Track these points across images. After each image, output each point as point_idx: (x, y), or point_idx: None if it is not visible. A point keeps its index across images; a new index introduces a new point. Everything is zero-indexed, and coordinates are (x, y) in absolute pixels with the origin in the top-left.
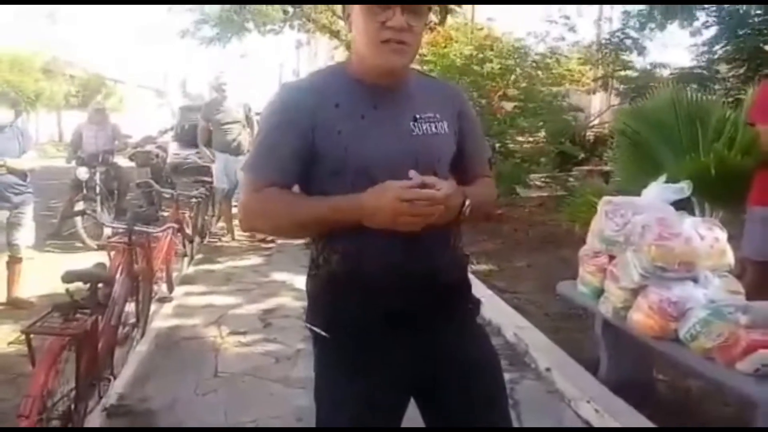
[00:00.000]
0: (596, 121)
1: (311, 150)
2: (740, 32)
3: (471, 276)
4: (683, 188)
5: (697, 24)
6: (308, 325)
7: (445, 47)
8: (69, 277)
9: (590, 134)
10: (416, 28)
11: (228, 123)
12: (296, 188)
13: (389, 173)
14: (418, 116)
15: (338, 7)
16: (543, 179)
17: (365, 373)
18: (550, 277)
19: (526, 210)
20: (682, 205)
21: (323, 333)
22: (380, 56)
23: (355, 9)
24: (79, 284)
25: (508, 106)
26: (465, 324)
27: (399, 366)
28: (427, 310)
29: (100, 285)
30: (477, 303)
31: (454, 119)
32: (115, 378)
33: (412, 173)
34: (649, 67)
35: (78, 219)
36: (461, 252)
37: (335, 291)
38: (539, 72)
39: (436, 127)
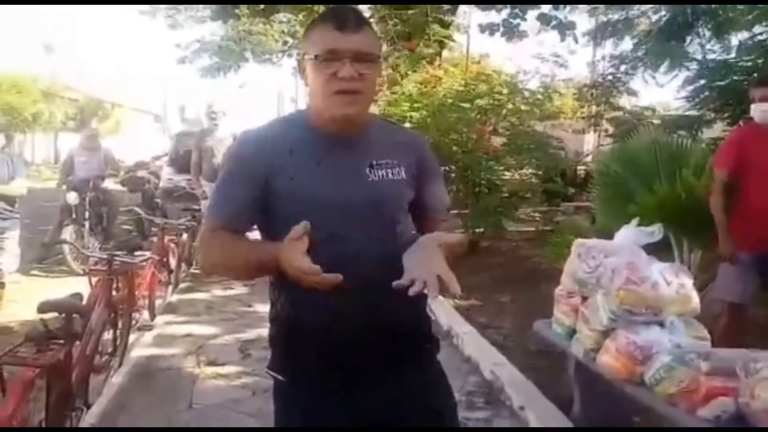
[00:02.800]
0: (588, 159)
1: (265, 197)
2: (726, 77)
3: (452, 310)
4: (654, 231)
5: (682, 72)
6: (266, 370)
7: (434, 87)
8: (44, 307)
9: (581, 170)
10: (368, 75)
11: (217, 152)
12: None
13: (345, 218)
14: (374, 162)
15: None
16: (530, 214)
17: (322, 416)
18: (532, 313)
19: (513, 244)
20: (659, 247)
21: (279, 377)
22: (332, 107)
23: (308, 63)
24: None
25: (497, 142)
26: (422, 367)
27: (350, 416)
28: (380, 358)
29: (75, 315)
30: (436, 342)
31: (413, 166)
32: (88, 408)
33: (305, 223)
34: (637, 109)
35: (65, 244)
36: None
37: (286, 337)
38: (529, 108)
39: (392, 173)
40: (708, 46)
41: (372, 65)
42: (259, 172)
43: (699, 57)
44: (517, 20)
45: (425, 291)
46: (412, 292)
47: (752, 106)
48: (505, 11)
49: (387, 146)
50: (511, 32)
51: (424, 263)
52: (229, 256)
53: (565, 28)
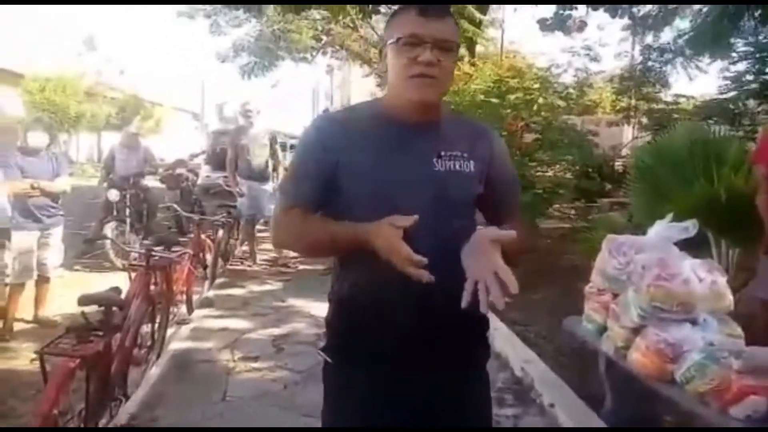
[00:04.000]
0: (624, 152)
1: (335, 180)
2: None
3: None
4: (688, 227)
5: (726, 60)
6: (318, 351)
7: (466, 83)
8: (84, 301)
9: (619, 165)
10: (445, 63)
11: (252, 150)
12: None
13: (407, 206)
14: (443, 153)
15: (370, 36)
16: (565, 210)
17: (364, 403)
18: (564, 310)
19: (548, 241)
20: (697, 245)
21: (328, 359)
22: (410, 90)
23: (390, 47)
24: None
25: (529, 137)
26: (468, 368)
27: (398, 401)
28: (430, 352)
29: (114, 308)
30: (487, 348)
31: (484, 161)
32: (127, 399)
33: (414, 217)
34: (673, 99)
35: (107, 240)
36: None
37: (343, 319)
38: (561, 102)
39: (460, 165)
40: (753, 36)
41: (451, 53)
42: (331, 155)
43: (743, 46)
44: (567, 12)
45: (489, 295)
46: (481, 308)
47: None
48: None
49: (458, 137)
50: (563, 25)
51: (482, 262)
52: (300, 234)
53: (615, 9)
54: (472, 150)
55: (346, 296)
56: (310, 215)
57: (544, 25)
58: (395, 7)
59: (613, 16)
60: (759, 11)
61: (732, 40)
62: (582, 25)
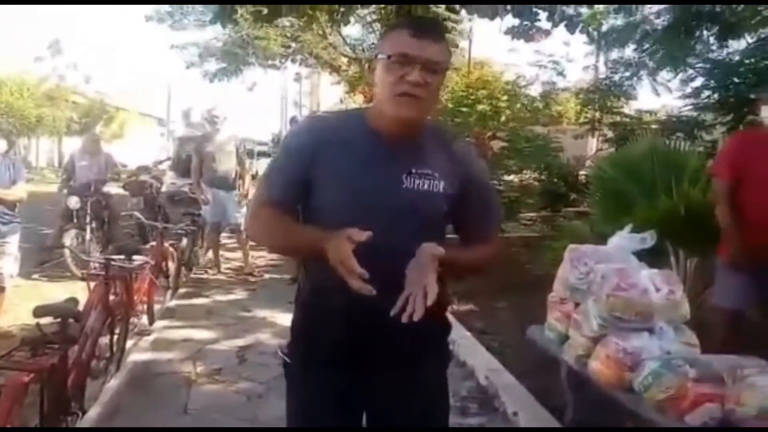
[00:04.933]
0: (588, 163)
1: (308, 182)
2: (727, 81)
3: (450, 316)
4: (646, 238)
5: (684, 74)
6: (279, 350)
7: None
8: (40, 312)
9: (583, 175)
10: (432, 84)
11: (218, 157)
12: None
13: (371, 218)
14: (413, 170)
15: (339, 44)
16: (531, 218)
17: (321, 402)
18: (528, 319)
19: (513, 249)
20: (656, 254)
21: (286, 359)
22: (394, 107)
23: (380, 62)
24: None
25: (496, 146)
26: (427, 372)
27: (354, 402)
28: (393, 352)
29: (70, 320)
30: (448, 353)
31: (458, 181)
32: (84, 413)
33: (368, 233)
34: (635, 113)
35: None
36: (439, 298)
37: (305, 321)
38: (529, 114)
39: (428, 185)
40: (711, 50)
41: (438, 75)
42: (308, 158)
43: (701, 60)
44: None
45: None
46: (404, 318)
47: (763, 108)
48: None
49: (433, 156)
50: (528, 34)
51: (416, 276)
52: (271, 233)
53: (575, 25)
54: (445, 170)
55: (309, 299)
56: (279, 213)
57: (513, 32)
58: (368, 11)
59: (572, 33)
60: (716, 27)
61: (689, 56)
62: (546, 33)
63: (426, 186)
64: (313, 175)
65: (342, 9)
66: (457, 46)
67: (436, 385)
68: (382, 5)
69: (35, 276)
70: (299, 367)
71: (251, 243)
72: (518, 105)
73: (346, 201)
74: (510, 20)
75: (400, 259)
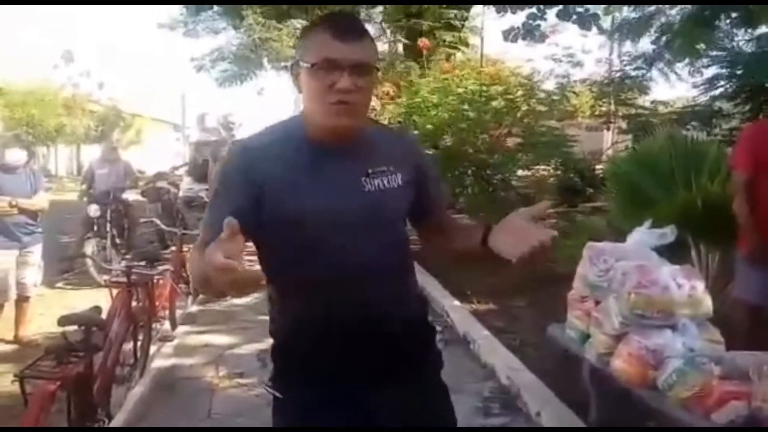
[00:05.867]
0: (604, 157)
1: (256, 208)
2: (745, 69)
3: (469, 315)
4: (666, 233)
5: (700, 64)
6: (264, 385)
7: (450, 85)
8: (64, 321)
9: (599, 170)
10: (365, 86)
11: None
12: None
13: (340, 229)
14: (370, 171)
15: None
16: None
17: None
18: (549, 317)
19: None
20: (677, 250)
21: (276, 393)
22: (329, 117)
23: (304, 70)
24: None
25: (512, 142)
26: (421, 379)
27: (355, 421)
28: (376, 370)
29: (94, 328)
30: (438, 355)
31: (411, 170)
32: (110, 420)
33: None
34: (651, 104)
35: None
36: (417, 299)
37: (283, 351)
38: (545, 108)
39: (389, 182)
40: (729, 39)
41: (368, 76)
42: (249, 184)
43: (718, 49)
44: (537, 21)
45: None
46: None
47: None
48: (523, 13)
49: (382, 153)
50: (532, 34)
51: (526, 235)
52: (200, 272)
53: (586, 21)
54: (397, 162)
55: (283, 327)
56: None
57: (508, 35)
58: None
59: (582, 28)
60: (734, 14)
61: (705, 45)
62: (554, 30)
63: (387, 183)
64: (261, 201)
65: (351, 9)
66: (467, 45)
67: (434, 391)
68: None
69: (58, 285)
70: (290, 397)
71: None
72: (534, 100)
73: (306, 218)
74: (514, 20)
75: (376, 264)
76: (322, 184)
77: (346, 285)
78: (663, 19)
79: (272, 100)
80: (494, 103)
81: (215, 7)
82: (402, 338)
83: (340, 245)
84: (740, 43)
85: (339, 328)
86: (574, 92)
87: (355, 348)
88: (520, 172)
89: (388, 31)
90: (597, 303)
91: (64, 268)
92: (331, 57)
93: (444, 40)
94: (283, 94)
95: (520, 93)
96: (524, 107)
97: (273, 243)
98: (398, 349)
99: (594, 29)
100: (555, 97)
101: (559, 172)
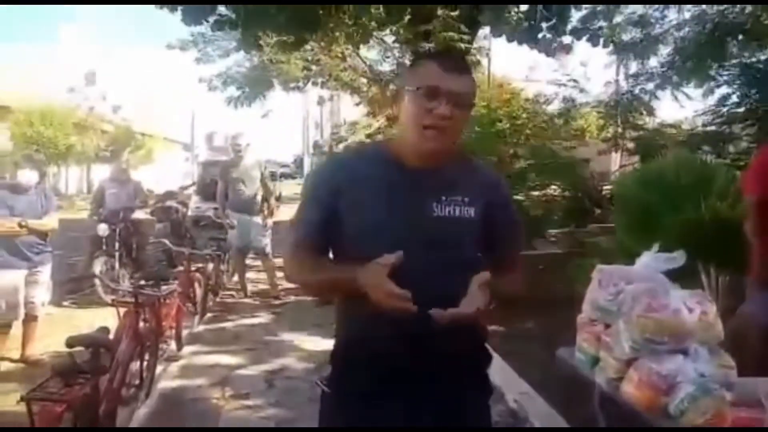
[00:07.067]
0: (613, 178)
1: (338, 221)
2: (753, 91)
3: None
4: (676, 257)
5: (710, 84)
6: (317, 381)
7: None
8: (72, 342)
9: (608, 191)
10: (459, 117)
11: (243, 183)
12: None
13: (403, 248)
14: (444, 198)
15: (359, 65)
16: (557, 235)
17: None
18: (557, 340)
19: (540, 267)
20: (686, 272)
21: (326, 389)
22: (420, 139)
23: (408, 93)
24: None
25: (518, 164)
26: (468, 406)
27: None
28: (434, 389)
29: (102, 349)
30: (489, 386)
31: (487, 206)
32: None
33: (399, 254)
34: (659, 127)
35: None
36: (478, 328)
37: (344, 354)
38: (549, 131)
39: (459, 211)
40: (737, 61)
41: (465, 108)
42: (330, 198)
43: (727, 71)
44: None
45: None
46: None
47: None
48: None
49: (462, 183)
50: (550, 48)
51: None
52: (304, 274)
53: (598, 39)
54: (474, 195)
55: (348, 336)
56: (313, 256)
57: (528, 39)
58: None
59: (594, 45)
60: (740, 36)
61: (715, 66)
62: (568, 48)
63: (458, 212)
64: (340, 213)
65: (360, 31)
66: (477, 64)
67: (479, 415)
68: (401, 29)
69: (66, 303)
70: (340, 397)
71: (276, 265)
72: (538, 121)
73: (375, 234)
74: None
75: (436, 288)
76: (395, 201)
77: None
78: (671, 40)
79: (281, 120)
80: (500, 125)
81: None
82: (459, 361)
83: (404, 264)
84: (750, 64)
85: (397, 345)
86: (576, 115)
87: (412, 364)
88: (529, 193)
89: (396, 51)
90: (607, 326)
91: (73, 287)
92: (435, 85)
93: None
94: (292, 114)
95: (524, 115)
96: (528, 130)
97: (346, 253)
98: (451, 372)
99: (600, 49)
100: (558, 120)
101: (567, 193)
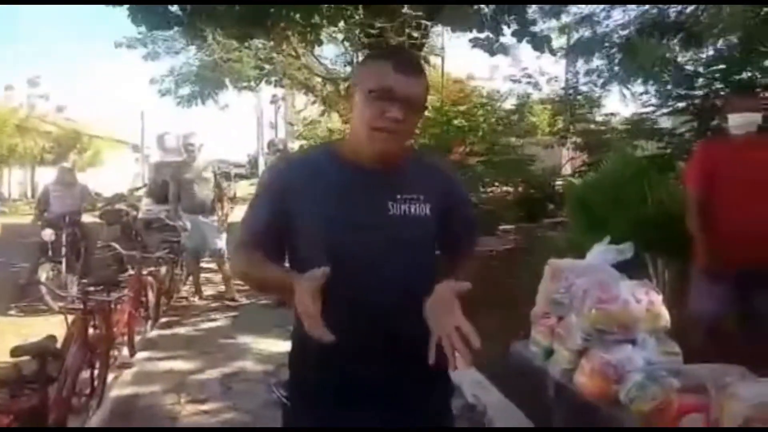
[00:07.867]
0: (563, 171)
1: (288, 223)
2: (691, 88)
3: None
4: (624, 250)
5: (651, 82)
6: (273, 387)
7: None
8: (17, 352)
9: (559, 185)
10: (412, 119)
11: (195, 184)
12: None
13: (360, 250)
14: (399, 196)
15: (312, 64)
16: (508, 230)
17: None
18: (512, 334)
19: (494, 263)
20: (633, 265)
21: (284, 399)
22: (371, 140)
23: (360, 93)
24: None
25: (473, 160)
26: (431, 405)
27: None
28: (396, 391)
29: (49, 358)
30: (451, 385)
31: (441, 202)
32: None
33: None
34: (604, 117)
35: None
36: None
37: (300, 362)
38: (504, 127)
39: (416, 209)
40: (676, 58)
41: (418, 112)
42: (281, 199)
43: (667, 68)
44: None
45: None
46: (450, 366)
47: (729, 117)
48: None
49: (417, 181)
50: (491, 48)
51: (444, 318)
52: (250, 272)
53: (540, 42)
54: (429, 193)
55: (304, 340)
56: (255, 253)
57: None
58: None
59: (536, 49)
60: (680, 35)
61: (655, 65)
62: (507, 50)
63: (414, 210)
64: (292, 212)
65: (313, 31)
66: (428, 63)
67: (441, 418)
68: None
69: (11, 312)
70: (299, 404)
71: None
72: (494, 119)
73: (333, 236)
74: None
75: (395, 288)
76: (349, 203)
77: (364, 301)
78: (616, 38)
79: (234, 119)
80: (456, 122)
81: (175, 27)
82: (421, 362)
83: (360, 263)
84: (686, 62)
85: (354, 344)
86: (530, 112)
87: (372, 367)
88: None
89: (350, 50)
90: (560, 319)
91: (18, 295)
92: (388, 86)
93: None
94: (246, 113)
95: (480, 112)
96: (484, 126)
97: (299, 253)
98: (414, 372)
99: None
100: (513, 117)
101: (520, 189)
